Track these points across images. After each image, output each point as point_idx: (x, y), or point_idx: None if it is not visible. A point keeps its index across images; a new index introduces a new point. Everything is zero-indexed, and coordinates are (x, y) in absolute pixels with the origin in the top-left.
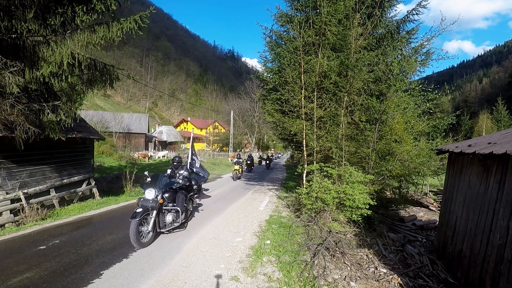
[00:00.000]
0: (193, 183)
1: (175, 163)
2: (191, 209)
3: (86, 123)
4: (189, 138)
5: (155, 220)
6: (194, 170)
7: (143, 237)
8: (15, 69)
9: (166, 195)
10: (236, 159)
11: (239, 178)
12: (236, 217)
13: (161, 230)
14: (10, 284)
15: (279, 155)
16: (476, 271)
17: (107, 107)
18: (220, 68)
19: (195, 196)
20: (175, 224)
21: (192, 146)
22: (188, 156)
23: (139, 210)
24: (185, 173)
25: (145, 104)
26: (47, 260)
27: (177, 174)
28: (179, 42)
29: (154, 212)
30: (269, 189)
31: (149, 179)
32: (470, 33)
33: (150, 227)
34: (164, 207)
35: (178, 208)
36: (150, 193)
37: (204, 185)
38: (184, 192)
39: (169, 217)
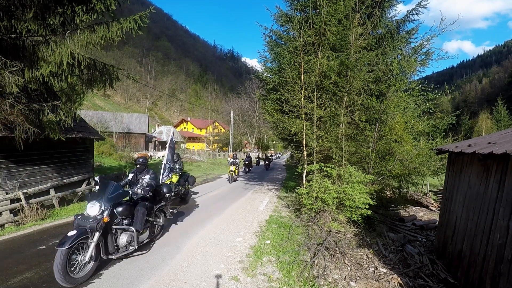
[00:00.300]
0: (165, 190)
1: (138, 166)
2: (163, 224)
3: (86, 123)
4: (189, 138)
5: (98, 245)
6: (165, 176)
7: (77, 270)
8: (15, 69)
9: (119, 209)
10: (232, 160)
11: (235, 180)
12: (236, 217)
13: (111, 257)
14: (10, 284)
15: (279, 155)
16: (476, 271)
17: (107, 107)
18: (220, 68)
19: (173, 203)
20: (130, 248)
21: (172, 148)
22: (164, 158)
23: (72, 233)
24: (149, 180)
25: (145, 104)
26: (47, 260)
27: (139, 181)
28: (179, 42)
29: (96, 234)
30: (269, 189)
31: (97, 187)
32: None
33: (88, 255)
34: (115, 226)
35: (134, 229)
36: (92, 208)
37: (204, 185)
38: (146, 204)
39: (123, 239)
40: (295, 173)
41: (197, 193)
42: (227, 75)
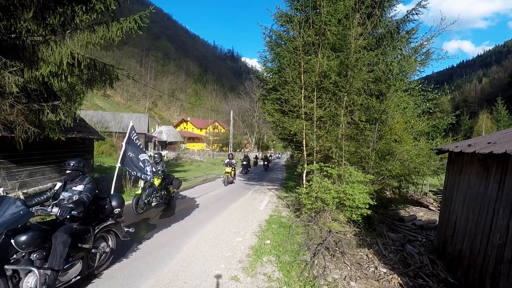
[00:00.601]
0: (114, 204)
1: (68, 171)
2: (111, 248)
3: (86, 123)
4: (189, 138)
5: None
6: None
7: None
8: (15, 69)
9: (21, 238)
10: (227, 160)
11: (231, 182)
12: (236, 217)
13: None
14: None
15: (279, 155)
16: (476, 271)
17: (106, 107)
18: (220, 68)
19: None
20: None
21: (135, 146)
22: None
23: None
24: (80, 194)
25: (145, 104)
26: None
27: (65, 194)
28: (178, 42)
29: None
30: (269, 189)
31: None
32: (470, 33)
33: None
34: (9, 266)
35: (47, 272)
36: None
37: (203, 185)
38: (74, 228)
39: (28, 283)
40: (295, 173)
41: (196, 193)
42: (227, 75)
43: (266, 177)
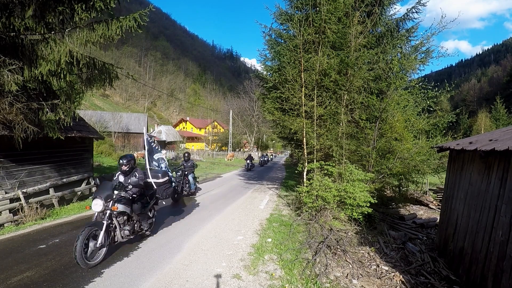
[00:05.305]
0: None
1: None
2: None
3: (85, 122)
4: (188, 138)
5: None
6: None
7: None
8: (14, 67)
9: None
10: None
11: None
12: (237, 216)
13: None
14: (10, 282)
15: (274, 156)
16: (478, 268)
17: (105, 107)
18: (219, 67)
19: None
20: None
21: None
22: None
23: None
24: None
25: (144, 104)
26: (48, 259)
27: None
28: (177, 41)
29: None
30: (269, 188)
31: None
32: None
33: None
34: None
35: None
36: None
37: (203, 185)
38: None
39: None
40: (296, 171)
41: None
42: (226, 74)
43: (266, 176)
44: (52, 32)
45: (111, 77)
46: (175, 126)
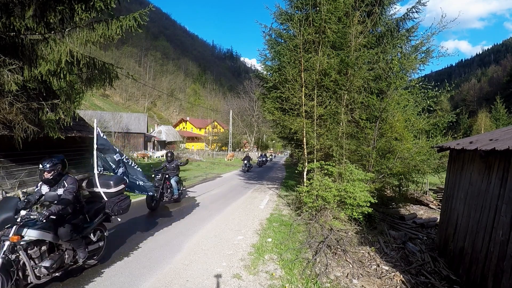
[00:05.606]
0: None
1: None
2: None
3: (85, 122)
4: (188, 138)
5: None
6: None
7: None
8: (14, 67)
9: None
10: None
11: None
12: (237, 216)
13: None
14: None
15: (274, 155)
16: (478, 268)
17: (105, 107)
18: (218, 67)
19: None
20: None
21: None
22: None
23: None
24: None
25: (144, 104)
26: None
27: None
28: (177, 41)
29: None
30: (269, 187)
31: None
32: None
33: None
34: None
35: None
36: None
37: (203, 185)
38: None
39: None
40: (296, 171)
41: (196, 192)
42: (226, 74)
43: (266, 176)
44: (52, 32)
45: (111, 77)
46: (175, 126)
